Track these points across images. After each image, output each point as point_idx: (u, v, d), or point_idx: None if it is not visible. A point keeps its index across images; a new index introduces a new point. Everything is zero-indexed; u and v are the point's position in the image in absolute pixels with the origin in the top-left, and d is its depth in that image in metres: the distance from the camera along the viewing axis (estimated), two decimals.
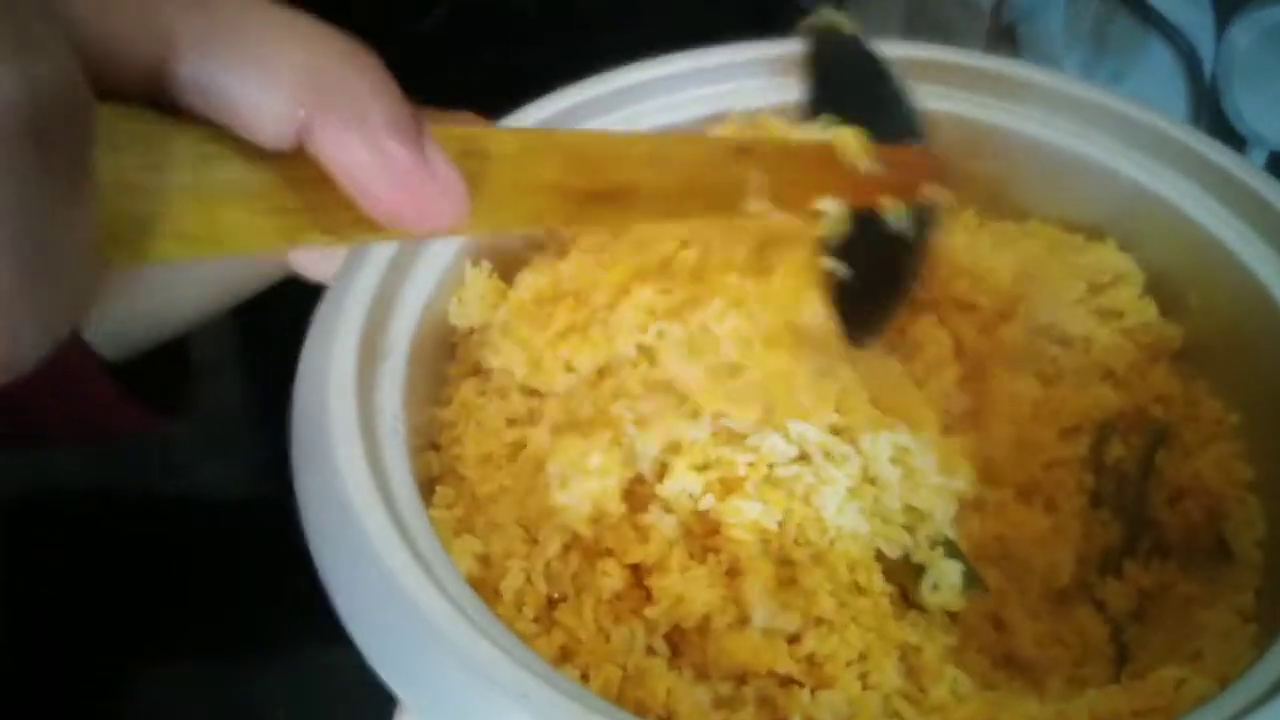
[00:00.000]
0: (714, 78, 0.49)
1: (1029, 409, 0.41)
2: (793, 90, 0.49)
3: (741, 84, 0.49)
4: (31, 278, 0.18)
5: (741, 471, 0.35)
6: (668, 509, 0.35)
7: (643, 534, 0.35)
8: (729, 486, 0.36)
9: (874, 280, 0.38)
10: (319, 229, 0.24)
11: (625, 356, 0.39)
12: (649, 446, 0.36)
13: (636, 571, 0.35)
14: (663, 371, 0.37)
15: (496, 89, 0.49)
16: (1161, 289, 0.44)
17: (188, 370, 0.54)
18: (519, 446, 0.38)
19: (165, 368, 0.51)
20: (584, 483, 0.35)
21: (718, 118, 0.48)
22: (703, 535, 0.36)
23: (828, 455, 0.36)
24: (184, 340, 0.51)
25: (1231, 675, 0.32)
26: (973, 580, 0.36)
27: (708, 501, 0.35)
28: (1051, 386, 0.42)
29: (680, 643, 0.35)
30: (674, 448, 0.36)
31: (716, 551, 0.35)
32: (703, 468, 0.36)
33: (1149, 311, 0.44)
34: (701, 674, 0.34)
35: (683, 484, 0.35)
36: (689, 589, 0.34)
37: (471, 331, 0.42)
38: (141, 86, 0.21)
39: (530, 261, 0.45)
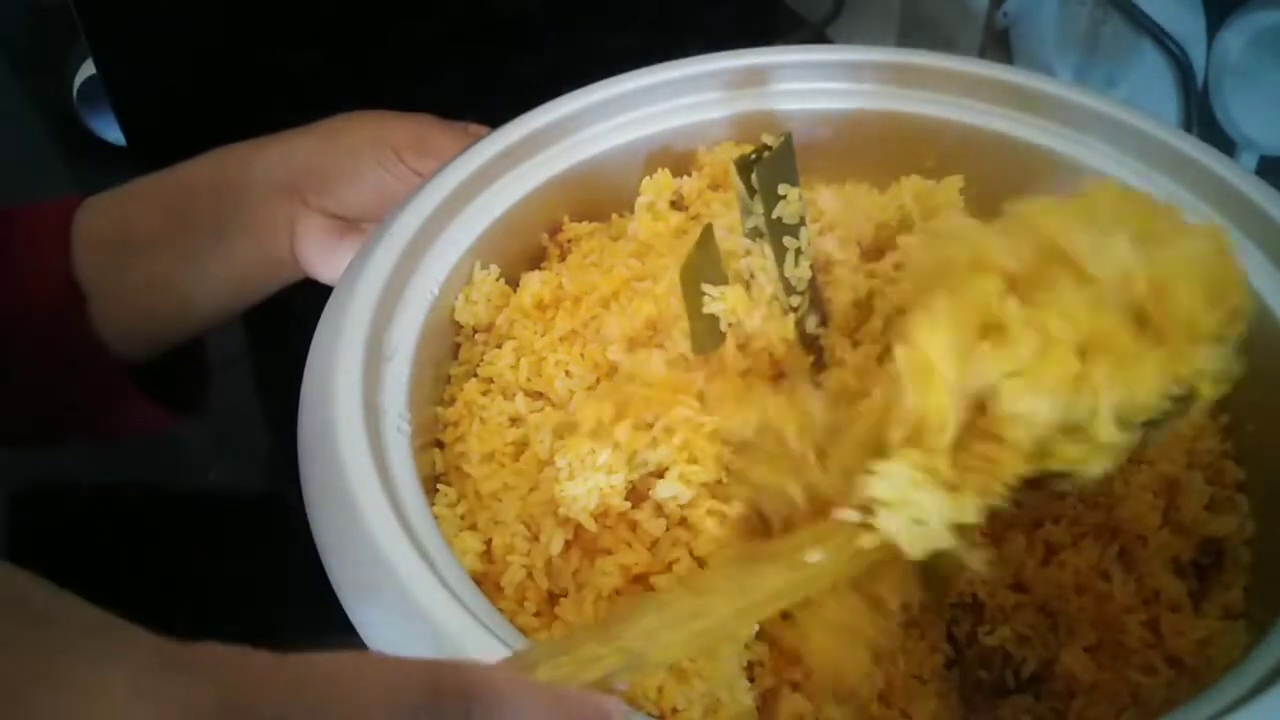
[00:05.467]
0: (713, 84, 0.49)
1: None
2: (790, 96, 0.50)
3: (741, 90, 0.50)
4: None
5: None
6: (660, 512, 0.36)
7: (638, 535, 0.36)
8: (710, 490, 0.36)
9: None
10: None
11: (617, 364, 0.40)
12: (652, 453, 0.36)
13: (634, 568, 0.36)
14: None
15: (495, 95, 0.49)
16: None
17: (205, 370, 0.54)
18: (522, 445, 0.38)
19: (183, 368, 0.52)
20: (592, 477, 0.35)
21: (717, 123, 0.49)
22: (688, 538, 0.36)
23: None
24: (201, 341, 0.52)
25: (1220, 671, 0.32)
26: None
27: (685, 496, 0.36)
28: None
29: None
30: (668, 452, 0.36)
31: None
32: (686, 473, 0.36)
33: None
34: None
35: (673, 490, 0.36)
36: None
37: (475, 331, 0.43)
38: None
39: (535, 265, 0.46)
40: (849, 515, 0.30)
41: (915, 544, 0.30)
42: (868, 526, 0.30)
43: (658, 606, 0.28)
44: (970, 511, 0.30)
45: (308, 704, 0.20)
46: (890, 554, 0.31)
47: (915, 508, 0.30)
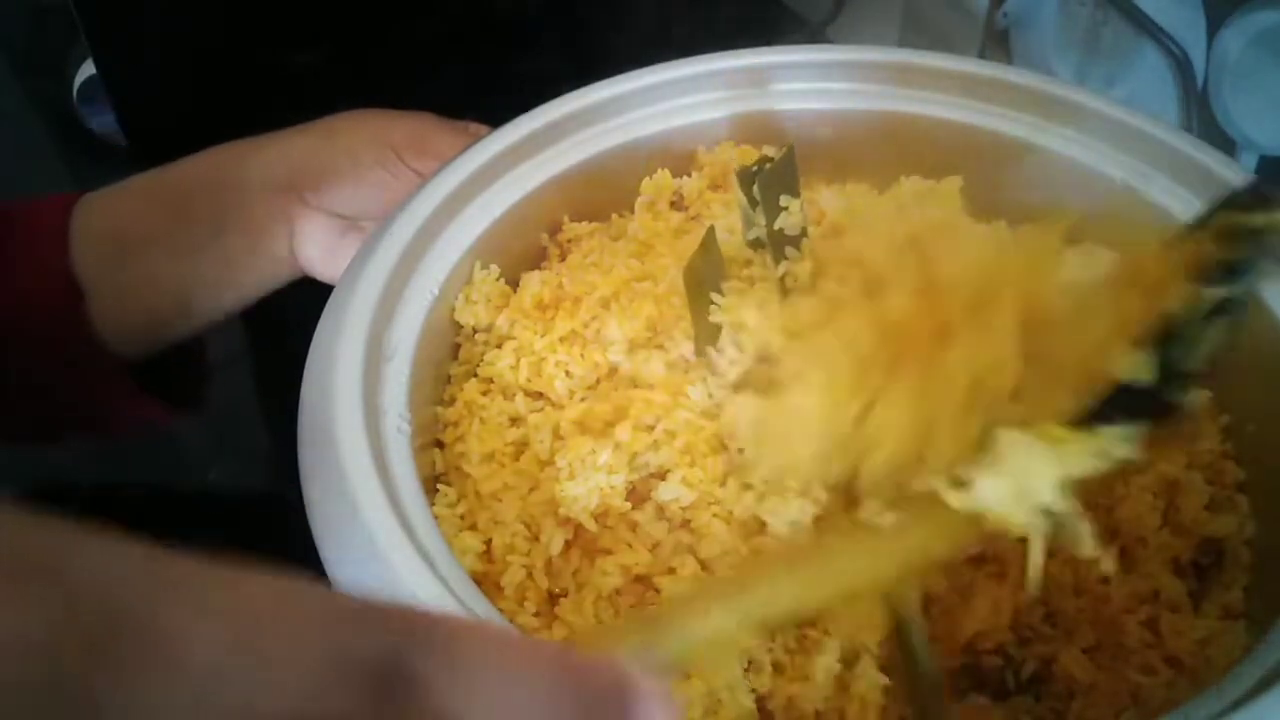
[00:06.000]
0: (713, 84, 0.49)
1: None
2: (790, 96, 0.50)
3: (741, 90, 0.50)
4: None
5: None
6: (661, 514, 0.36)
7: (638, 536, 0.36)
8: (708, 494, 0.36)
9: None
10: None
11: (618, 365, 0.40)
12: (653, 455, 0.36)
13: (635, 568, 0.36)
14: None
15: (495, 95, 0.49)
16: None
17: (204, 366, 0.54)
18: (522, 445, 0.38)
19: (181, 365, 0.52)
20: (593, 477, 0.35)
21: (717, 122, 0.49)
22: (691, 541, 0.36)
23: None
24: (200, 337, 0.52)
25: (1220, 671, 0.32)
26: None
27: (688, 499, 0.36)
28: None
29: None
30: (670, 455, 0.36)
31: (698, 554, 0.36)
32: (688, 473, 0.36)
33: None
34: None
35: (675, 492, 0.36)
36: None
37: (475, 332, 0.43)
38: None
39: (535, 265, 0.46)
40: (934, 483, 0.26)
41: (1020, 512, 0.25)
42: (959, 485, 0.26)
43: (699, 592, 0.26)
44: (1083, 458, 0.25)
45: (175, 608, 0.17)
46: (982, 528, 0.26)
47: (1021, 471, 0.25)
